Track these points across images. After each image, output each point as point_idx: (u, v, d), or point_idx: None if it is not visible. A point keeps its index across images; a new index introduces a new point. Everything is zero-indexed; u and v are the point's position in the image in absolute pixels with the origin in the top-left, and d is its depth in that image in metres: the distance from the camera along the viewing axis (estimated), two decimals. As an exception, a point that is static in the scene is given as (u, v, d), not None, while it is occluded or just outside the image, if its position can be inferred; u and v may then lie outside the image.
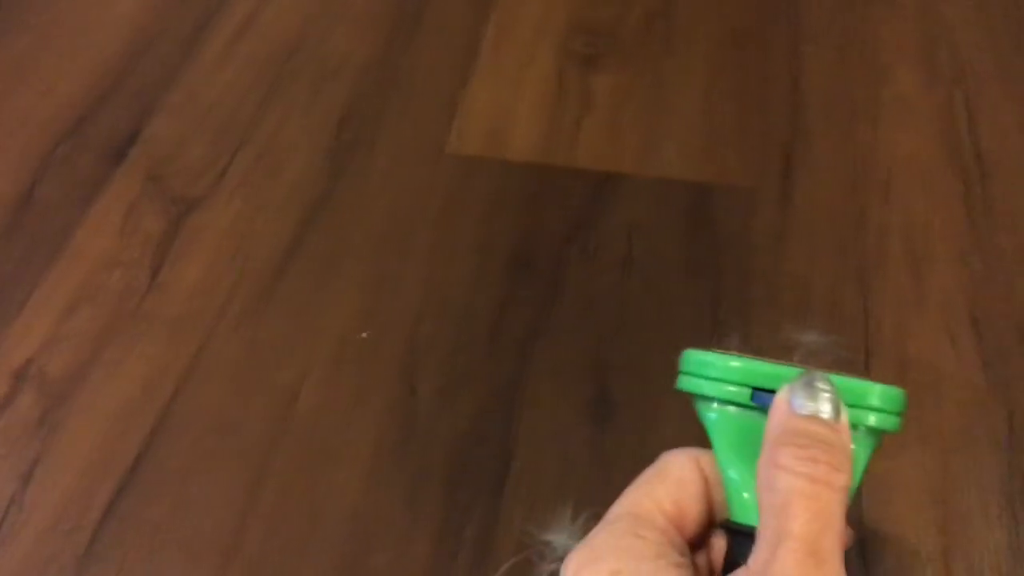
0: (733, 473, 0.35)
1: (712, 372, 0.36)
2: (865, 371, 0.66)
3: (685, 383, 0.37)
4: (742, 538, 0.33)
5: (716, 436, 0.36)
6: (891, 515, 0.59)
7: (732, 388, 0.35)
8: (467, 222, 0.76)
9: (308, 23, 0.94)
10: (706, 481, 0.36)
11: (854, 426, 0.34)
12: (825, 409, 0.32)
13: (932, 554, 0.58)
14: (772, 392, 0.34)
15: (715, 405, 0.36)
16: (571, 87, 0.88)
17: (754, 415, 0.35)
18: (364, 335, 0.68)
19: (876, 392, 0.35)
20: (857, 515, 0.59)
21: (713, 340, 0.67)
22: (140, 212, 0.77)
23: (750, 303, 0.70)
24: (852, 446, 0.33)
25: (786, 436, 0.32)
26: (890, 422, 0.36)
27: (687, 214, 0.77)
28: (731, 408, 0.35)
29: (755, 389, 0.35)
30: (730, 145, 0.82)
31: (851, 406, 0.34)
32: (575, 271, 0.72)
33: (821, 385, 0.33)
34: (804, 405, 0.32)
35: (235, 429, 0.63)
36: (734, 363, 0.36)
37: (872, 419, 0.35)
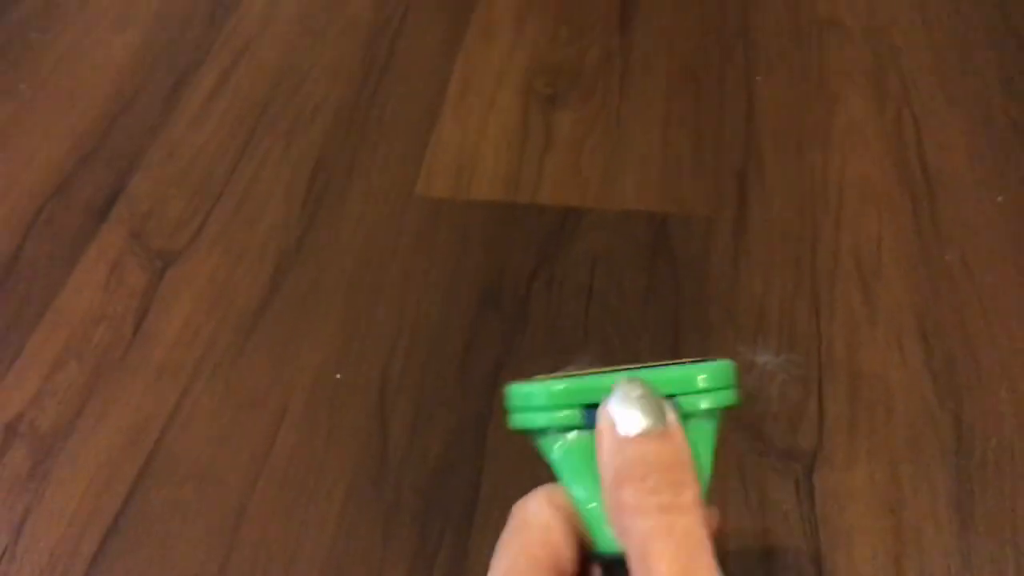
0: (591, 505, 0.33)
1: (537, 401, 0.33)
2: (817, 386, 0.69)
3: (516, 421, 0.35)
4: (615, 566, 0.32)
5: (563, 470, 0.33)
6: (844, 525, 0.62)
7: (562, 413, 0.33)
8: (436, 261, 0.79)
9: (281, 76, 0.98)
10: (568, 518, 0.33)
11: (688, 415, 0.33)
12: (648, 417, 0.31)
13: (885, 562, 0.60)
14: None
15: (553, 438, 0.34)
16: (534, 126, 0.91)
17: (593, 436, 0.33)
18: (338, 376, 0.71)
19: (701, 373, 0.34)
20: (812, 525, 0.62)
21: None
22: (123, 268, 0.81)
23: (708, 327, 0.73)
24: (690, 439, 0.32)
25: (622, 471, 0.30)
26: (724, 398, 0.34)
27: (646, 244, 0.80)
28: (570, 436, 0.33)
29: (586, 408, 0.33)
30: (687, 175, 0.85)
31: (680, 395, 0.33)
32: (540, 304, 0.75)
33: (636, 392, 0.31)
34: (626, 420, 0.31)
35: (215, 474, 0.66)
36: (557, 386, 0.33)
37: (705, 402, 0.33)
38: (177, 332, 0.75)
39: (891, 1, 1.02)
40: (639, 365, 0.34)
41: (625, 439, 0.31)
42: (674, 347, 0.72)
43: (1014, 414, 0.67)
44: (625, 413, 0.31)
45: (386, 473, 0.65)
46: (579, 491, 0.33)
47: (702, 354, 0.70)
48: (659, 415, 0.31)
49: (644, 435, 0.31)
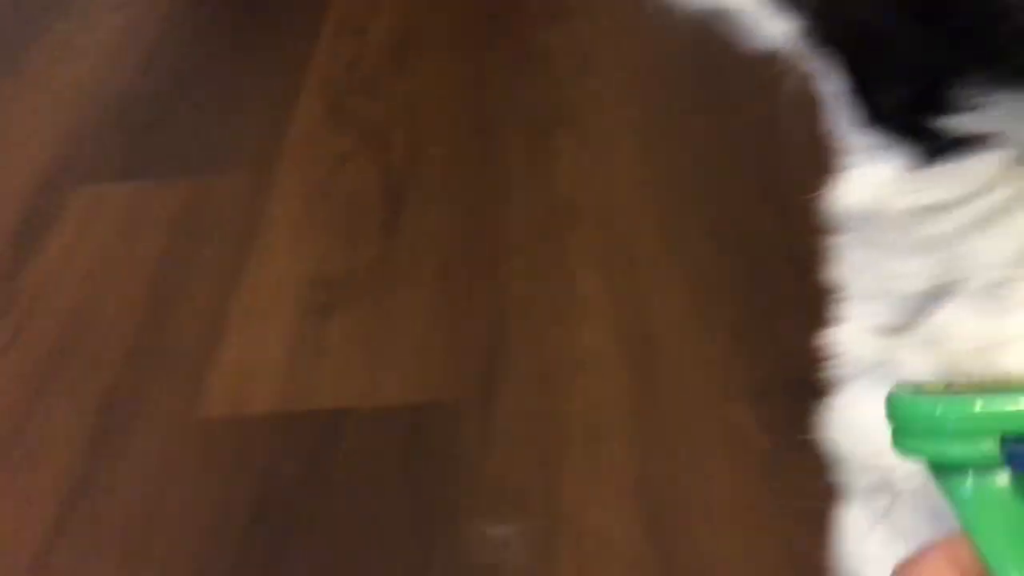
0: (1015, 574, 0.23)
1: (943, 425, 0.25)
2: (549, 550, 0.78)
3: (906, 447, 0.26)
4: None
5: (978, 529, 0.24)
6: None
7: (982, 446, 0.24)
8: (212, 483, 0.87)
9: (71, 319, 1.06)
10: None
11: None
12: None
13: None
14: None
15: (962, 479, 0.24)
16: (308, 336, 1.01)
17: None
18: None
19: None
20: None
21: (420, 558, 0.79)
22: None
23: (456, 509, 0.82)
24: None
25: None
26: None
27: (404, 436, 0.89)
28: (993, 481, 0.24)
29: (1008, 441, 0.24)
30: (442, 365, 0.96)
31: None
32: (306, 511, 0.83)
33: None
34: None
35: None
36: (972, 407, 0.25)
37: None
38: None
39: (620, 185, 1.17)
40: None
41: None
42: (425, 539, 0.81)
43: (719, 560, 0.77)
44: None
45: None
46: (998, 557, 0.23)
47: (453, 535, 0.75)
48: None
49: None
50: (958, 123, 0.28)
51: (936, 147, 0.28)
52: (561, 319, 0.99)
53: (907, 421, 0.26)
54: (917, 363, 0.31)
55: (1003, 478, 0.24)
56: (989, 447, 0.24)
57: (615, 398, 0.91)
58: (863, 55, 0.30)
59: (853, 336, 0.35)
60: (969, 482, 0.24)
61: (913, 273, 0.30)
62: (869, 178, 0.31)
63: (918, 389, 0.26)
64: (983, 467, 0.24)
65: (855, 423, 0.35)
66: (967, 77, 0.27)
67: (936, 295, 0.30)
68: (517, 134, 1.26)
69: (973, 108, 0.27)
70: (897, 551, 0.34)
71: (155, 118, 1.38)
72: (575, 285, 1.03)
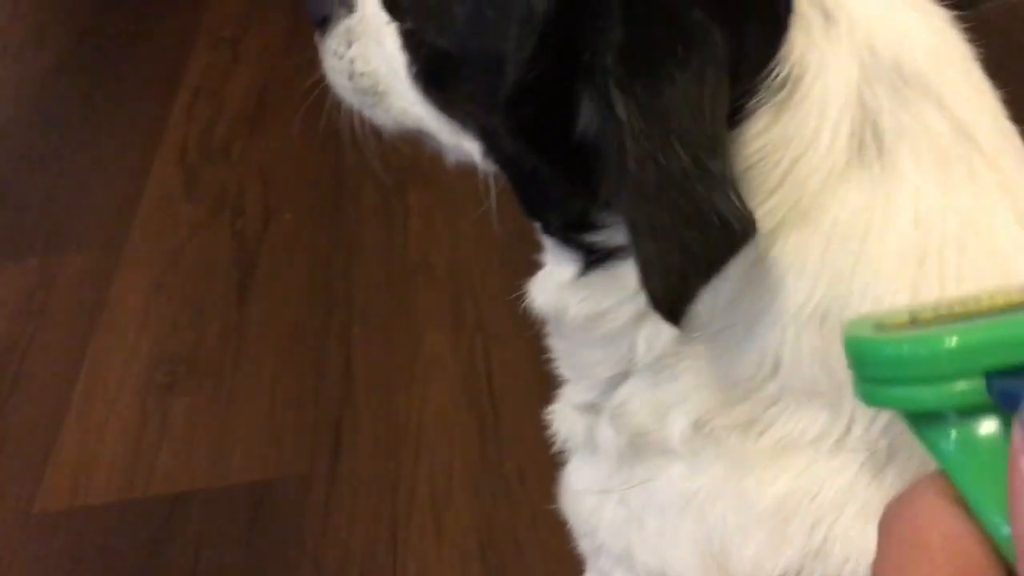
0: (1006, 529, 0.21)
1: (916, 368, 0.21)
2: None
3: (876, 396, 0.22)
4: None
5: (964, 477, 0.21)
6: None
7: (958, 386, 0.21)
8: (46, 579, 0.84)
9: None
10: (984, 535, 0.20)
11: None
12: None
13: None
14: (1019, 375, 0.20)
15: (942, 424, 0.22)
16: (151, 418, 0.99)
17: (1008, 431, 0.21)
18: None
19: None
20: None
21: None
22: None
23: (297, 585, 0.81)
24: None
25: None
26: None
27: (249, 514, 0.88)
28: (973, 427, 0.21)
29: (990, 376, 0.21)
30: (288, 439, 0.95)
31: None
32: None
33: None
34: None
35: None
36: (948, 342, 0.21)
37: None
38: None
39: (470, 243, 1.18)
40: None
41: None
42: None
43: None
44: None
45: None
46: (990, 511, 0.21)
47: None
48: None
49: None
50: (605, 237, 0.31)
51: (594, 257, 0.32)
52: (409, 383, 1.00)
53: (870, 366, 0.22)
54: (610, 435, 0.35)
55: (990, 424, 0.21)
56: (972, 388, 0.21)
57: (461, 460, 0.91)
58: (522, 183, 0.34)
59: (565, 414, 0.39)
60: (953, 434, 0.21)
61: (600, 361, 0.34)
62: (553, 280, 0.35)
63: (879, 325, 0.22)
64: (967, 412, 0.21)
65: (574, 492, 0.38)
66: (599, 203, 0.30)
67: (619, 377, 0.34)
68: (372, 194, 1.27)
69: (609, 226, 0.31)
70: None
71: (2, 198, 1.34)
72: (423, 347, 1.04)
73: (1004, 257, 0.30)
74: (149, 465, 0.94)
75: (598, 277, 0.33)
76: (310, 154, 1.35)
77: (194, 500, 0.90)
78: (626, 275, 0.31)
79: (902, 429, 0.24)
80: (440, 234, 1.18)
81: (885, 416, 0.30)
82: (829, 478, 0.30)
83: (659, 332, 0.32)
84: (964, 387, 0.21)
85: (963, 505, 0.20)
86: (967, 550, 0.20)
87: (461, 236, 1.18)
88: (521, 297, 0.40)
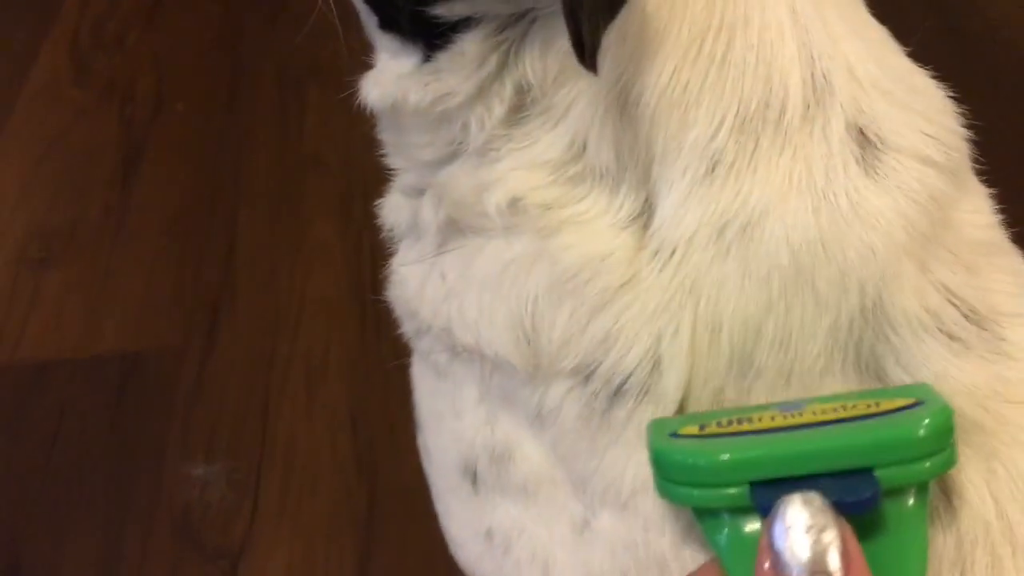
0: None
1: (695, 475, 0.26)
2: (254, 487, 0.78)
3: (667, 492, 0.27)
4: None
5: (731, 565, 0.26)
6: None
7: (728, 491, 0.26)
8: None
9: None
10: None
11: (897, 492, 0.25)
12: (829, 559, 0.23)
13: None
14: (776, 485, 0.25)
15: (716, 521, 0.26)
16: (23, 289, 0.96)
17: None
18: None
19: (917, 430, 0.25)
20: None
21: (119, 500, 0.77)
22: None
23: (162, 451, 0.81)
24: (893, 534, 0.25)
25: None
26: (943, 461, 0.26)
27: (117, 384, 0.87)
28: (740, 525, 0.26)
29: (755, 485, 0.25)
30: (164, 313, 0.94)
31: (885, 466, 0.25)
32: (1, 461, 0.80)
33: (805, 521, 0.23)
34: (796, 565, 0.23)
35: None
36: (721, 457, 0.26)
37: (918, 474, 0.25)
38: None
39: (365, 143, 1.18)
40: (821, 399, 0.27)
41: None
42: (128, 503, 0.79)
43: (418, 480, 0.79)
44: (789, 554, 0.23)
45: None
46: None
47: (157, 479, 0.73)
48: (835, 558, 0.23)
49: None
50: (448, 9, 0.32)
51: (437, 35, 0.33)
52: (293, 267, 0.99)
53: (665, 469, 0.27)
54: (431, 212, 0.36)
55: (754, 524, 0.25)
56: (740, 493, 0.25)
57: (339, 343, 0.91)
58: None
59: (392, 202, 0.39)
60: (725, 529, 0.26)
61: (430, 143, 0.34)
62: (390, 72, 0.35)
63: (674, 431, 0.28)
64: (738, 511, 0.26)
65: (399, 278, 0.39)
66: None
67: (446, 159, 0.34)
68: (269, 88, 1.24)
69: None
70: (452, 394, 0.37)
71: None
72: (310, 235, 1.03)
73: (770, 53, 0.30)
74: (17, 332, 0.91)
75: (443, 58, 0.33)
76: (207, 48, 1.31)
77: (62, 368, 0.88)
78: (469, 49, 0.32)
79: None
80: (335, 132, 1.17)
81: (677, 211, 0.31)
82: (620, 247, 0.31)
83: (492, 110, 0.32)
84: (734, 493, 0.25)
85: None
86: None
87: (357, 136, 1.17)
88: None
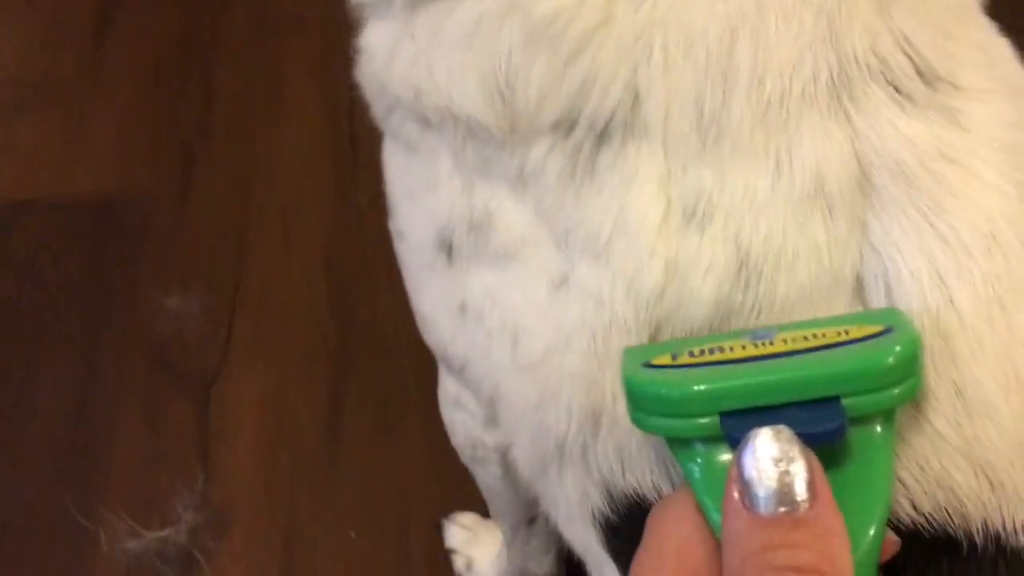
0: (719, 519, 0.26)
1: (668, 406, 0.27)
2: (229, 317, 0.79)
3: (642, 423, 0.28)
4: None
5: (702, 493, 0.26)
6: (232, 426, 0.72)
7: (701, 421, 0.26)
8: None
9: None
10: (711, 538, 0.26)
11: (860, 420, 0.26)
12: (786, 495, 0.23)
13: (263, 449, 0.70)
14: (745, 415, 0.25)
15: (689, 450, 0.27)
16: (-6, 133, 0.95)
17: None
18: None
19: (886, 357, 0.26)
20: (203, 430, 0.71)
21: (92, 327, 0.77)
22: None
23: (136, 284, 0.81)
24: (860, 458, 0.26)
25: (745, 572, 0.23)
26: (908, 389, 0.26)
27: (93, 225, 0.87)
28: (712, 455, 0.26)
29: (726, 415, 0.26)
30: (138, 161, 0.93)
31: (852, 395, 0.25)
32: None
33: (774, 452, 0.24)
34: (758, 495, 0.24)
35: None
36: (694, 387, 0.26)
37: (885, 401, 0.26)
38: None
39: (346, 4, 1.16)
40: (790, 326, 0.28)
41: (754, 519, 0.24)
42: (105, 306, 0.79)
43: (391, 319, 0.80)
44: (757, 484, 0.24)
45: None
46: (716, 513, 0.25)
47: (132, 306, 0.74)
48: (802, 489, 0.23)
49: (779, 522, 0.23)
50: None
51: None
52: (270, 121, 0.98)
53: (640, 400, 0.27)
54: None
55: (726, 453, 0.26)
56: (712, 423, 0.26)
57: (317, 192, 0.91)
58: None
59: None
60: (699, 458, 0.26)
61: None
62: None
63: (647, 360, 0.28)
64: (711, 441, 0.26)
65: (371, 53, 0.38)
66: None
67: None
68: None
69: None
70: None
71: None
72: (288, 92, 1.02)
73: None
74: (-13, 176, 0.91)
75: None
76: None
77: (35, 209, 0.87)
78: None
79: None
80: (320, -11, 1.15)
81: None
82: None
83: None
84: (705, 423, 0.26)
85: (699, 526, 0.26)
86: (691, 552, 0.25)
87: (337, -3, 1.15)
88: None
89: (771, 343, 0.27)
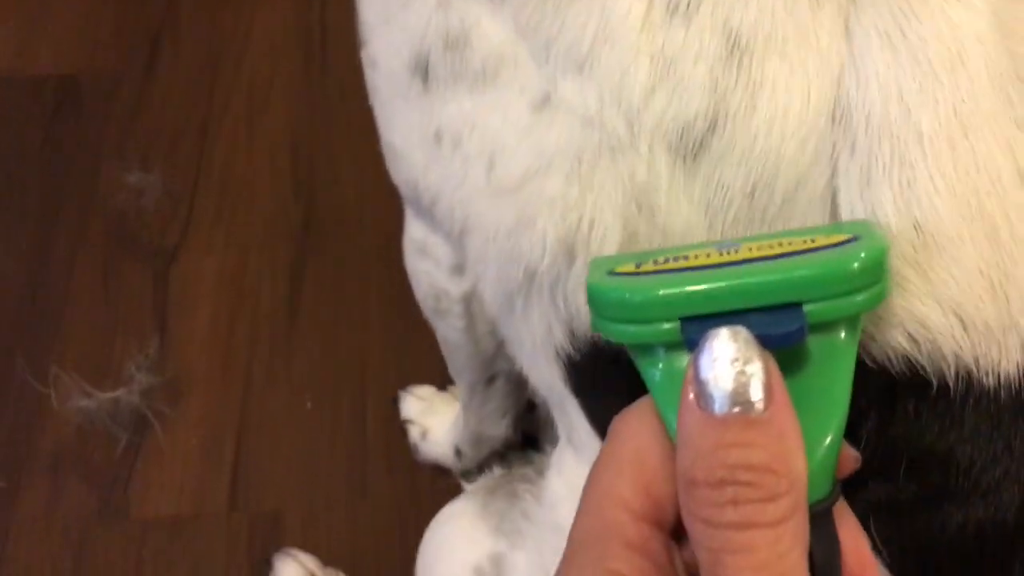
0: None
1: (630, 312, 0.26)
2: (190, 196, 0.77)
3: (603, 329, 0.27)
4: None
5: (660, 398, 0.26)
6: (192, 299, 0.71)
7: (662, 327, 0.25)
8: None
9: None
10: (669, 444, 0.25)
11: (822, 326, 0.25)
12: (742, 397, 0.23)
13: (222, 320, 0.70)
14: (706, 320, 0.25)
15: (649, 356, 0.26)
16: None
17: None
18: None
19: (852, 263, 0.25)
20: (162, 303, 0.70)
21: (53, 203, 0.76)
22: None
23: (98, 160, 0.79)
24: (820, 364, 0.25)
25: (698, 466, 0.23)
26: (874, 296, 0.26)
27: (54, 102, 0.85)
28: (672, 359, 0.26)
29: (687, 320, 0.25)
30: (103, 40, 0.91)
31: (814, 301, 0.25)
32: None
33: (730, 353, 0.23)
34: (713, 395, 0.23)
35: None
36: (656, 292, 0.26)
37: (847, 308, 0.25)
38: None
39: None
40: (756, 237, 0.28)
41: (708, 419, 0.23)
42: (65, 181, 0.78)
43: (355, 202, 0.79)
44: (713, 385, 0.23)
45: None
46: (673, 418, 0.25)
47: (92, 189, 0.72)
48: (758, 390, 0.23)
49: (733, 421, 0.23)
50: None
51: None
52: (239, 5, 0.96)
53: (601, 306, 0.27)
54: None
55: (677, 360, 0.25)
56: (672, 329, 0.25)
57: (283, 76, 0.89)
58: None
59: None
60: (660, 364, 0.26)
61: None
62: None
63: (611, 269, 0.27)
64: (672, 347, 0.26)
65: None
66: None
67: None
68: None
69: None
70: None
71: None
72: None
73: None
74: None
75: None
76: None
77: (-3, 83, 0.86)
78: None
79: None
80: None
81: None
82: None
83: None
84: (667, 328, 0.25)
85: (657, 432, 0.25)
86: (648, 458, 0.25)
87: None
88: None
89: (736, 251, 0.26)
